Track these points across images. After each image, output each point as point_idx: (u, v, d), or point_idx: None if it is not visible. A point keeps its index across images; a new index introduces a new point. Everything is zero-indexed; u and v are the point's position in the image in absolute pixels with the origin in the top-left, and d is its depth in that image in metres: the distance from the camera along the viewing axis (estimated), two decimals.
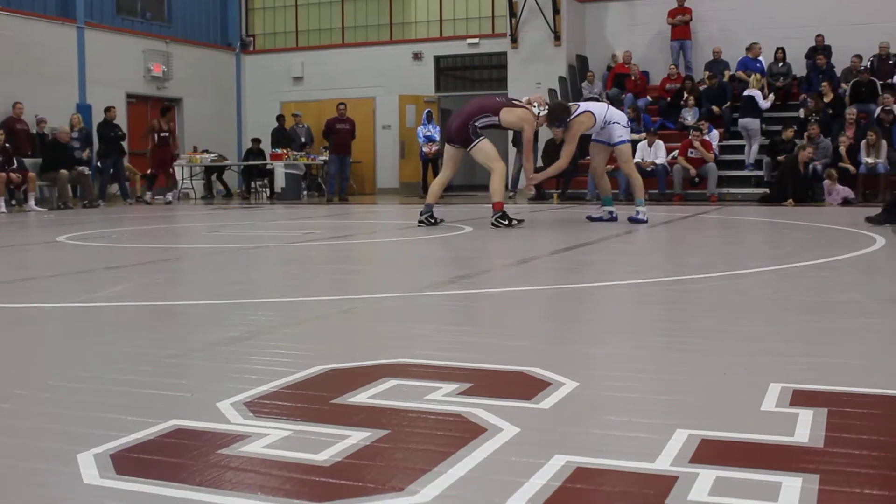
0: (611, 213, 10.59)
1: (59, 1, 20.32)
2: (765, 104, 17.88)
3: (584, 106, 10.45)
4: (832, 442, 2.12)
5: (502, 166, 10.02)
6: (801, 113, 17.26)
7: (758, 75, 18.36)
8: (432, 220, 10.06)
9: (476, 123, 9.78)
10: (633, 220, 10.13)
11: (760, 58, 19.05)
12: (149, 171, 19.09)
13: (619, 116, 10.39)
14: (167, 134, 18.71)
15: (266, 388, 2.65)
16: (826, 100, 17.36)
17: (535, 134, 17.78)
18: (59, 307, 4.59)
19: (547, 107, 10.09)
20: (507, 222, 9.63)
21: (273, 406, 2.48)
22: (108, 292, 5.14)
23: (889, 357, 3.18)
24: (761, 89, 18.07)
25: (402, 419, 2.32)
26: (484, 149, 9.87)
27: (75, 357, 3.28)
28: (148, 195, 18.76)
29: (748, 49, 19.05)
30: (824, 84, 17.71)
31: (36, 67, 19.20)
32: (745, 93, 17.95)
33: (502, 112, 9.81)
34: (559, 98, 19.58)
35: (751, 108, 17.69)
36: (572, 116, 10.13)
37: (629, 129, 10.63)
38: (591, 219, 10.72)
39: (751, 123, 17.58)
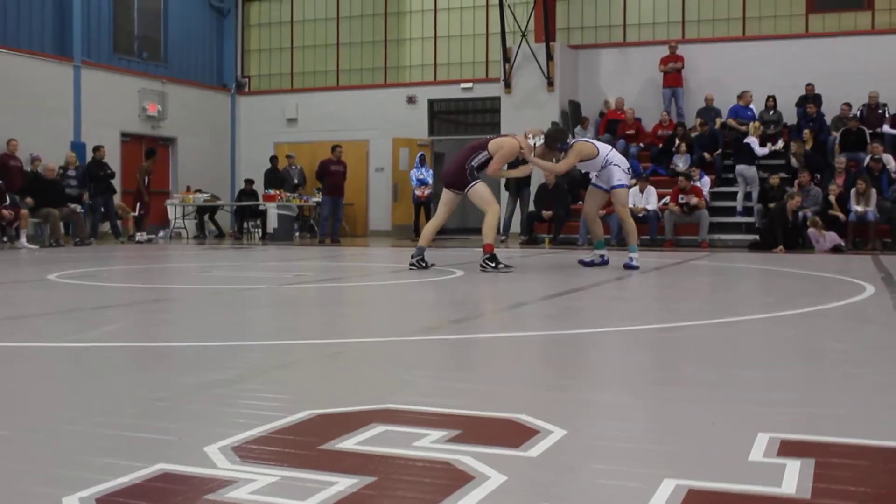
0: (602, 256, 10.61)
1: (57, 39, 20.46)
2: (762, 151, 18.01)
3: (585, 139, 10.60)
4: (819, 493, 2.11)
5: (496, 210, 10.05)
6: (794, 161, 17.41)
7: (757, 123, 18.52)
8: (423, 264, 10.06)
9: (472, 163, 9.87)
10: (627, 267, 10.13)
11: (752, 105, 19.23)
12: (140, 213, 19.18)
13: (620, 160, 10.46)
14: (150, 177, 19.04)
15: (254, 433, 2.64)
16: (807, 147, 17.54)
17: (528, 179, 17.97)
18: (48, 346, 4.57)
19: (543, 135, 10.13)
20: (494, 265, 9.64)
21: (260, 451, 2.47)
22: (97, 332, 5.13)
23: (877, 407, 3.18)
24: (759, 137, 18.21)
25: (390, 466, 2.32)
26: (479, 191, 9.93)
27: (62, 398, 3.26)
28: (139, 235, 18.79)
29: (739, 97, 19.23)
30: (805, 131, 17.93)
31: (31, 105, 19.30)
32: (745, 140, 18.11)
33: (490, 144, 9.93)
34: None
35: (747, 154, 17.83)
36: (572, 142, 10.27)
37: (629, 175, 10.67)
38: (582, 263, 10.73)
39: (747, 170, 17.71)
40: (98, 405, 3.07)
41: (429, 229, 10.41)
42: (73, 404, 3.12)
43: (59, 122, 19.94)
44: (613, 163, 10.31)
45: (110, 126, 21.04)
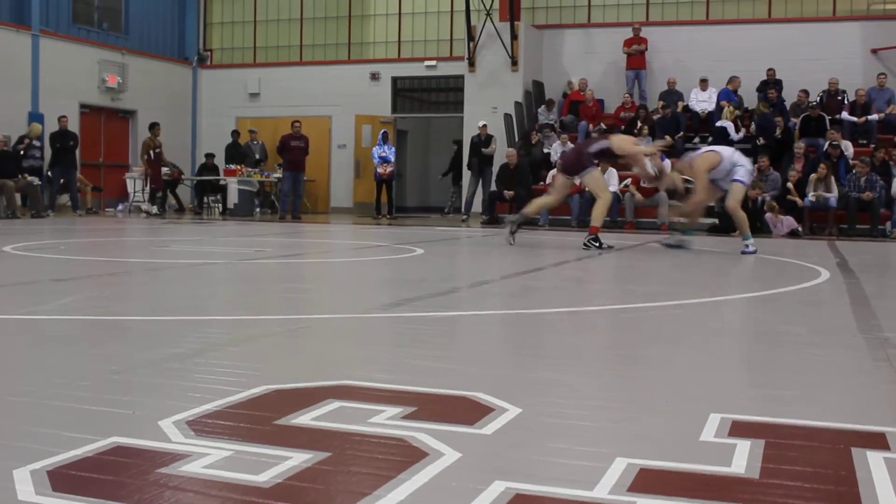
0: (748, 246, 10.40)
1: (14, 7, 20.10)
2: (738, 136, 18.06)
3: (709, 147, 11.05)
4: (768, 473, 2.15)
5: (608, 197, 10.76)
6: (753, 127, 17.62)
7: (731, 107, 18.57)
8: (514, 230, 10.67)
9: (590, 150, 10.48)
10: (745, 253, 10.18)
11: (712, 89, 19.33)
12: (152, 187, 19.43)
13: (745, 161, 10.59)
14: (160, 150, 18.91)
15: (209, 407, 2.63)
16: (779, 133, 17.69)
17: (490, 158, 18.11)
18: (1, 318, 4.52)
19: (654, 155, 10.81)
20: (598, 244, 10.25)
21: (215, 425, 2.47)
22: (53, 305, 5.08)
23: (827, 390, 3.23)
24: (734, 121, 18.26)
25: (345, 442, 2.32)
26: (595, 176, 10.65)
27: (15, 370, 3.23)
28: (153, 208, 19.09)
29: (729, 82, 19.12)
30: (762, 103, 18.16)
31: None
32: (718, 124, 18.20)
33: (613, 138, 10.80)
34: (514, 123, 19.73)
35: (722, 138, 17.94)
36: (692, 156, 10.76)
37: (751, 174, 11.00)
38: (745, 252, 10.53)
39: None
40: (51, 378, 3.04)
41: (536, 204, 11.23)
42: (26, 376, 3.09)
43: (16, 92, 19.61)
44: (739, 163, 10.47)
45: (69, 97, 20.72)
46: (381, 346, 4.02)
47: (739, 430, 2.53)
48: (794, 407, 2.86)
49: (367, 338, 4.28)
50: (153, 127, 19.54)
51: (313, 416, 2.56)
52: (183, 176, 21.46)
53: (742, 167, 10.47)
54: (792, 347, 4.15)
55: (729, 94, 19.16)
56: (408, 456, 2.22)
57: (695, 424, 2.57)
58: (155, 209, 19.13)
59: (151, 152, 19.00)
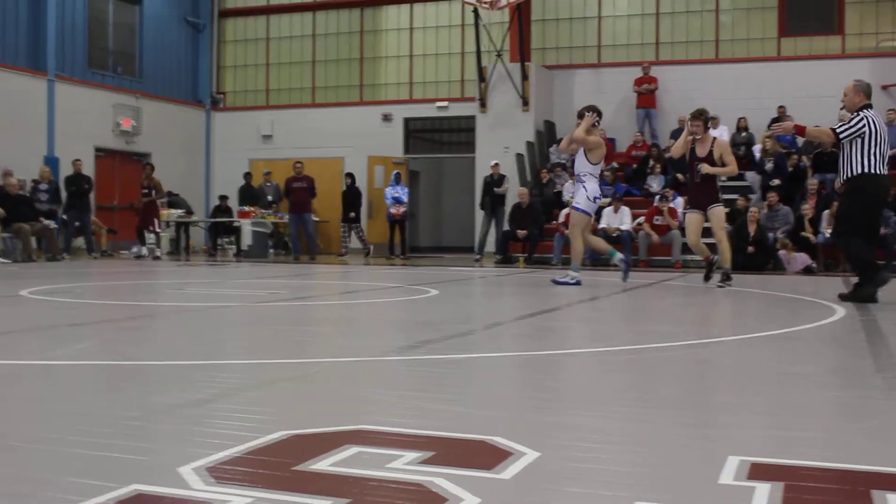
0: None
1: (31, 53, 20.37)
2: (764, 161, 18.06)
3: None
4: None
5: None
6: (766, 163, 17.58)
7: (773, 138, 18.56)
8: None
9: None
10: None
11: (723, 127, 19.35)
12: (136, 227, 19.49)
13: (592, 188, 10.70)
14: (147, 190, 18.90)
15: (228, 454, 2.64)
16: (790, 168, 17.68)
17: (503, 198, 18.12)
18: (18, 364, 4.54)
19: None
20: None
21: (235, 472, 2.47)
22: (70, 350, 5.10)
23: (846, 431, 3.21)
24: (763, 150, 18.22)
25: (364, 488, 2.32)
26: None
27: (34, 417, 3.24)
28: (143, 250, 19.00)
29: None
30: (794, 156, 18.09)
31: (4, 119, 19.21)
32: (752, 147, 18.30)
33: None
34: (526, 162, 19.80)
35: (750, 161, 18.03)
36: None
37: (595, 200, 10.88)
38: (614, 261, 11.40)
39: (752, 177, 17.83)
40: (70, 424, 3.05)
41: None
42: (45, 423, 3.10)
43: (32, 136, 19.83)
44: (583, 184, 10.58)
45: (84, 141, 20.94)
46: (398, 390, 4.02)
47: (758, 472, 2.52)
48: (814, 448, 2.85)
49: (384, 381, 4.28)
50: (144, 168, 19.67)
51: (332, 461, 2.56)
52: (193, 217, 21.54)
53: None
54: (809, 388, 4.13)
55: (779, 136, 19.09)
56: (427, 501, 2.21)
57: (713, 467, 2.56)
58: (158, 251, 19.09)
59: (143, 192, 19.12)
